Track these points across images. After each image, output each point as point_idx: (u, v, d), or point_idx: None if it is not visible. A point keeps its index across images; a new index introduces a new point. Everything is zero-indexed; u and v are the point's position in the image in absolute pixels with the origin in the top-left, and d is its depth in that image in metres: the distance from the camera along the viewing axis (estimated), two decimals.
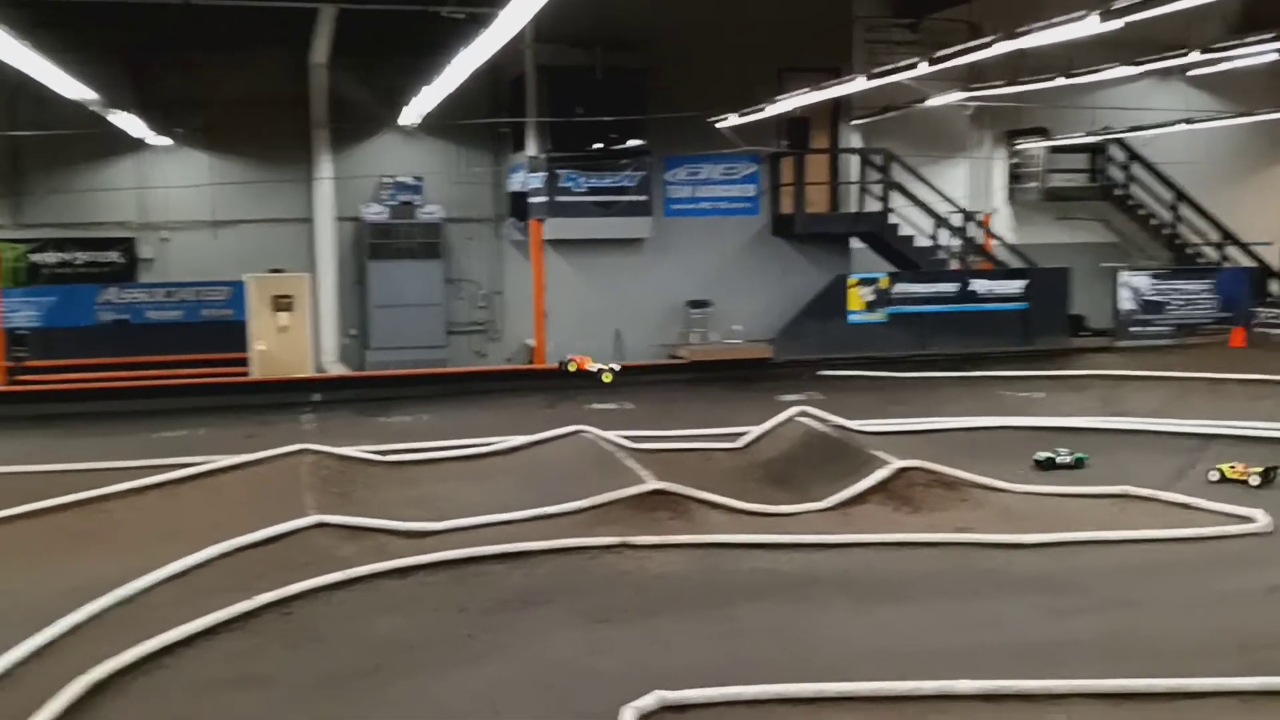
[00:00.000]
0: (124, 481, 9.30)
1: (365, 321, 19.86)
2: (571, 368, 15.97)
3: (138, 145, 18.81)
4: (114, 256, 19.22)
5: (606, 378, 15.31)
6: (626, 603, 6.77)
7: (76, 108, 14.70)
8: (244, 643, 6.11)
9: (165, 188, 19.34)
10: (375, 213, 19.78)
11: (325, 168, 19.37)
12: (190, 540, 7.68)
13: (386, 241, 19.70)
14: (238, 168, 19.48)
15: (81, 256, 19.11)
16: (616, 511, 8.46)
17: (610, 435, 10.67)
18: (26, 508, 8.52)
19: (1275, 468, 9.54)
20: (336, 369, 18.86)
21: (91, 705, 5.26)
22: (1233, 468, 9.65)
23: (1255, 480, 9.43)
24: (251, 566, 7.34)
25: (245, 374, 17.41)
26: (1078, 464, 10.25)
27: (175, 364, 16.82)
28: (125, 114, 16.07)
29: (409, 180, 19.96)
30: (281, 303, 18.44)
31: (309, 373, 17.79)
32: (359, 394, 15.78)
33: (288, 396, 15.24)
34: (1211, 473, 9.71)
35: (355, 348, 19.87)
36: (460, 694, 5.49)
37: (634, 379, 16.26)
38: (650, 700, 5.15)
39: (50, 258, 18.96)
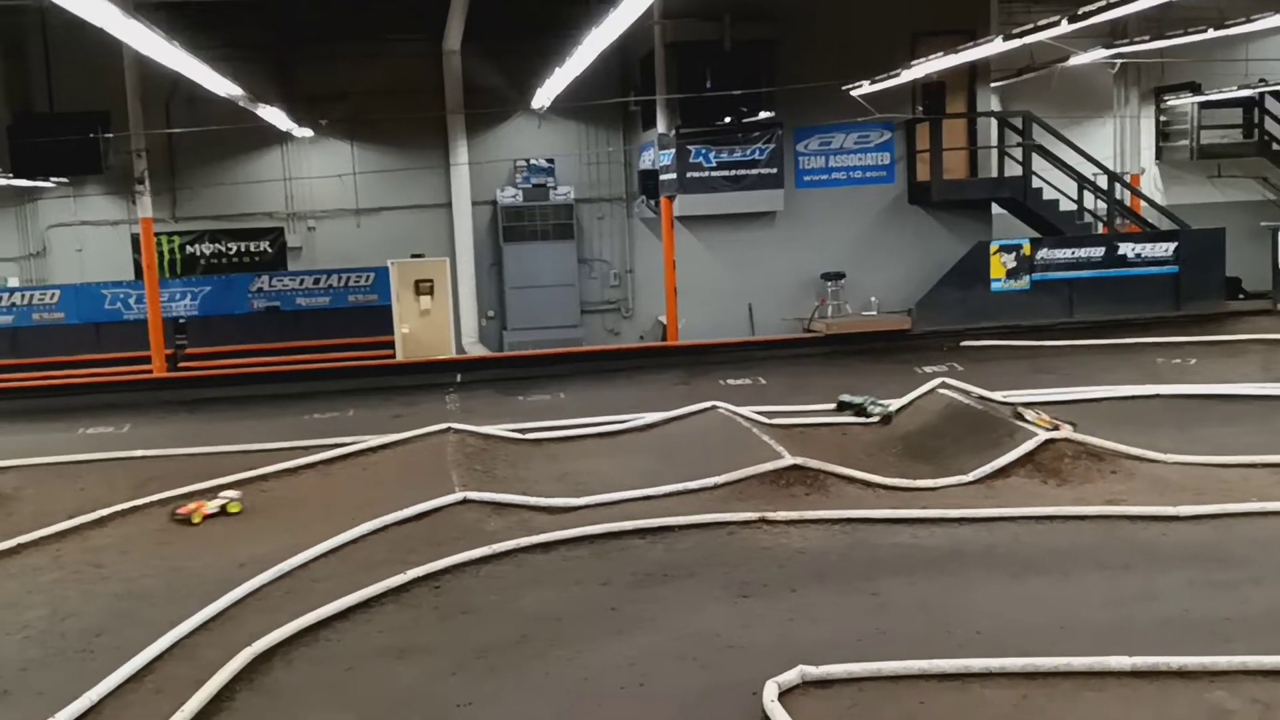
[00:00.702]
0: (280, 462, 9.75)
1: (502, 303, 20.25)
2: None
3: (284, 138, 19.50)
4: (264, 246, 19.97)
5: None
6: (768, 577, 6.79)
7: (226, 104, 15.30)
8: (399, 615, 6.35)
9: (310, 178, 20.03)
10: (509, 196, 20.12)
11: (461, 153, 19.78)
12: (344, 517, 8.00)
13: (520, 224, 20.03)
14: (379, 156, 20.02)
15: (234, 247, 19.92)
16: (753, 487, 8.48)
17: (745, 410, 10.67)
18: (192, 488, 8.98)
19: None
20: (476, 350, 19.27)
21: (260, 673, 5.54)
22: None
23: None
24: (402, 542, 7.60)
25: (390, 357, 17.92)
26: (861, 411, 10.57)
27: (324, 348, 17.45)
28: (272, 108, 16.66)
29: (541, 162, 20.23)
30: (423, 287, 18.89)
31: (450, 354, 18.21)
32: (498, 374, 16.10)
33: (431, 378, 15.64)
34: None
35: (493, 329, 20.28)
36: (607, 665, 5.60)
37: (767, 354, 16.20)
38: (793, 675, 5.17)
39: (205, 249, 19.82)
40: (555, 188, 20.13)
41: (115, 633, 6.18)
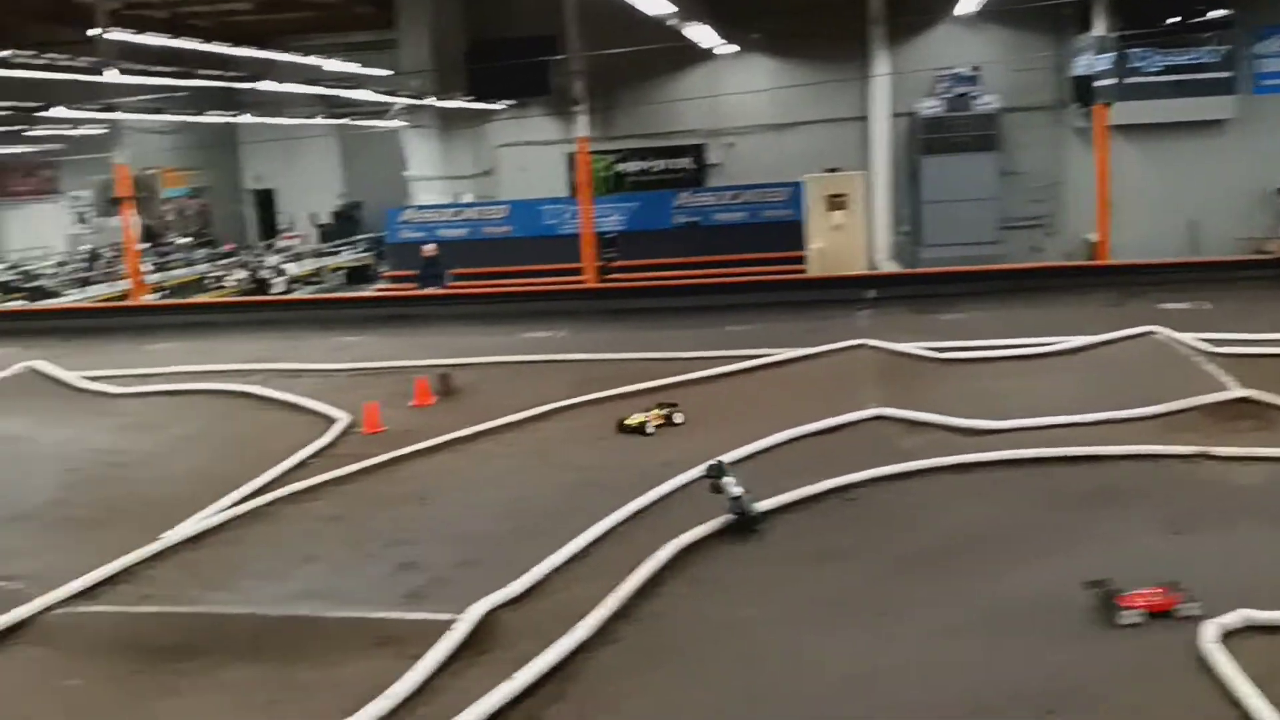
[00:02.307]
0: (701, 370, 10.23)
1: (917, 218, 19.86)
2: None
3: (708, 56, 20.04)
4: (686, 163, 20.79)
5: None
6: (1206, 514, 6.33)
7: (655, 25, 15.91)
8: (815, 521, 6.55)
9: (731, 94, 20.51)
10: (930, 107, 19.59)
11: (881, 64, 19.44)
12: (761, 425, 8.30)
13: (940, 135, 19.49)
14: (798, 71, 20.14)
15: (658, 164, 20.88)
16: (1192, 419, 7.88)
17: (1186, 337, 9.87)
18: (624, 389, 9.64)
19: None
20: (889, 266, 19.10)
21: (686, 564, 5.95)
22: None
23: None
24: (817, 452, 7.79)
25: (802, 272, 18.17)
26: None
27: (739, 263, 17.99)
28: (699, 26, 17.12)
29: (965, 71, 19.48)
30: (836, 202, 18.90)
31: (862, 270, 18.17)
32: (912, 291, 15.80)
33: (842, 293, 15.62)
34: None
35: (907, 244, 19.97)
36: (1026, 587, 5.50)
37: (1212, 276, 14.80)
38: (1234, 618, 4.84)
39: (632, 166, 20.94)
40: (978, 97, 19.35)
41: (562, 516, 6.83)
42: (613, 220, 19.50)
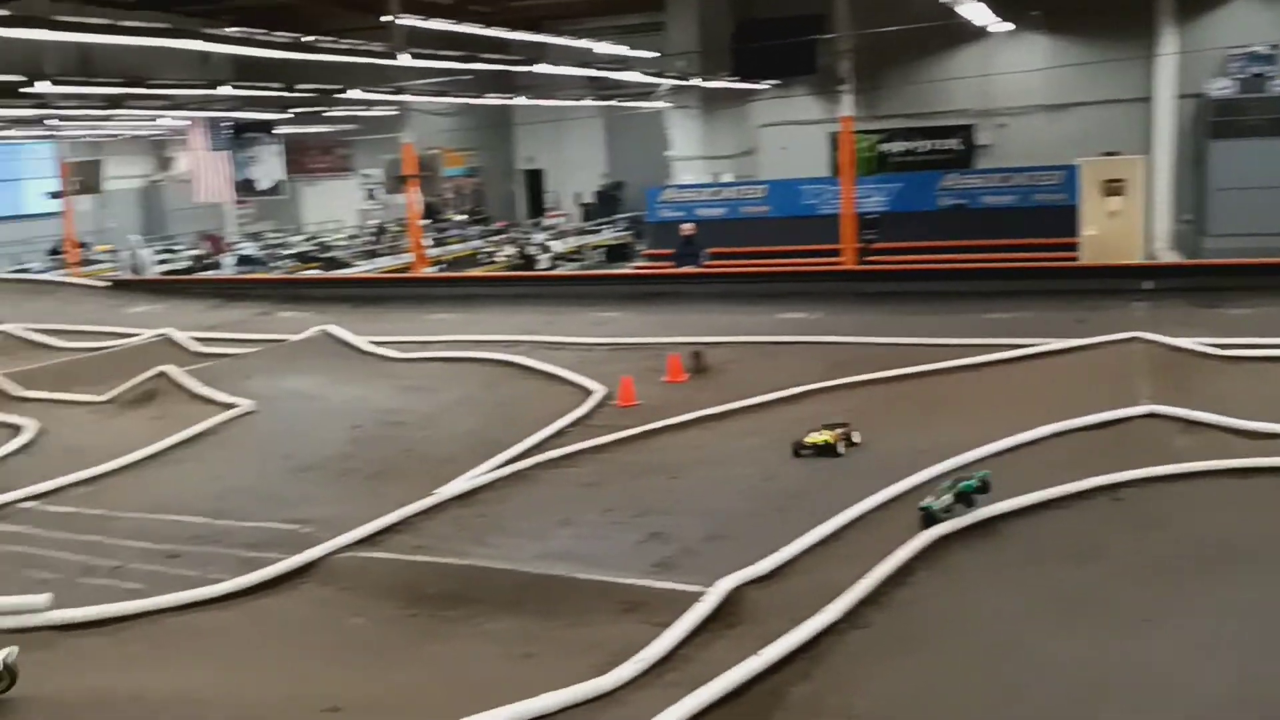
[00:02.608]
0: (958, 358, 9.97)
1: (1202, 205, 18.55)
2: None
3: (980, 34, 19.36)
4: (953, 144, 20.20)
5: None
6: None
7: (928, 1, 15.51)
8: (1076, 519, 6.29)
9: (1004, 74, 19.74)
10: (1221, 88, 18.22)
11: (1168, 42, 18.24)
12: (1023, 417, 8.01)
13: (1232, 118, 18.09)
14: (1076, 49, 19.19)
15: (924, 145, 20.38)
16: None
17: None
18: (878, 375, 9.53)
19: None
20: (1168, 256, 17.95)
21: (938, 554, 5.84)
22: None
23: None
24: (1082, 448, 7.46)
25: (1074, 259, 17.34)
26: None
27: (1006, 248, 17.34)
28: (973, 3, 16.59)
29: (1261, 50, 17.99)
30: (1113, 187, 17.92)
31: (1139, 259, 17.16)
32: (1193, 282, 14.81)
33: (1116, 283, 14.84)
34: None
35: (1190, 233, 18.70)
36: None
37: None
38: None
39: (896, 146, 20.53)
40: (1276, 78, 17.85)
41: (809, 496, 6.85)
42: (874, 201, 19.19)
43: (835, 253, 17.26)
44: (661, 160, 29.08)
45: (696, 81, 23.86)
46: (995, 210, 18.43)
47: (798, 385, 9.46)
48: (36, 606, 5.62)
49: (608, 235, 31.30)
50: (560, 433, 8.81)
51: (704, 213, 23.24)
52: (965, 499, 6.16)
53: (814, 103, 21.18)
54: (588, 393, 9.81)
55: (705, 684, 4.44)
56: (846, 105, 16.63)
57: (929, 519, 6.02)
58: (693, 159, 26.61)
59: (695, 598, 5.30)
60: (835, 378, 9.65)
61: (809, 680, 4.68)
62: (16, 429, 9.49)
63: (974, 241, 17.55)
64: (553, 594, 5.64)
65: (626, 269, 25.41)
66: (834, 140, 18.87)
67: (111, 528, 7.23)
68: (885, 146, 20.46)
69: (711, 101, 25.75)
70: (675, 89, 25.69)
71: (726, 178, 24.36)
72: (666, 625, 5.08)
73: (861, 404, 8.97)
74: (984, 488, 6.23)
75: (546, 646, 5.23)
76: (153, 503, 7.70)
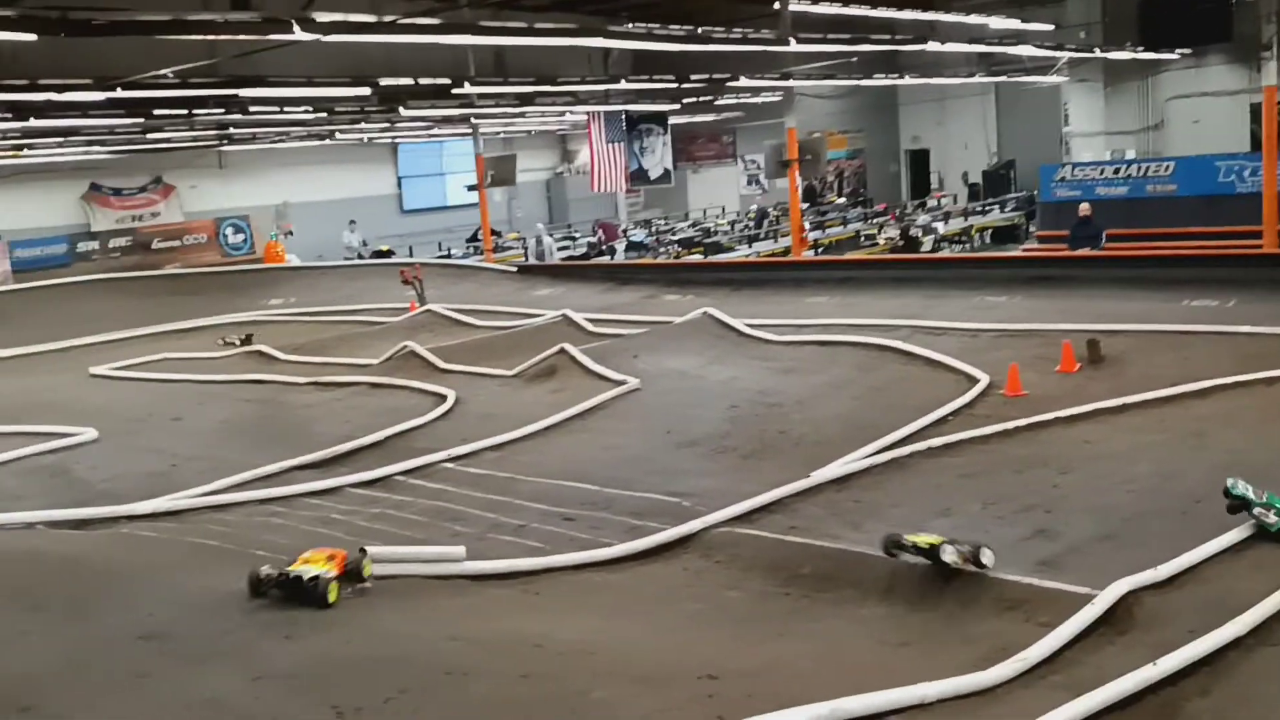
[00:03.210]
0: None
1: None
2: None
3: None
4: None
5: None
6: None
7: None
8: None
9: None
10: None
11: None
12: None
13: None
14: None
15: None
16: None
17: None
18: None
19: None
20: None
21: None
22: None
23: None
24: None
25: None
26: None
27: None
28: None
29: None
30: None
31: None
32: None
33: None
34: None
35: None
36: None
37: None
38: None
39: None
40: None
41: (1215, 500, 6.30)
42: None
43: (1255, 235, 15.70)
44: (1056, 137, 27.54)
45: (1098, 53, 22.46)
46: None
47: (1205, 379, 8.74)
48: (455, 557, 6.26)
49: (996, 216, 30.12)
50: (941, 420, 8.64)
51: (1103, 191, 21.92)
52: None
53: (1230, 72, 19.26)
54: (971, 380, 9.56)
55: (1093, 689, 4.23)
56: (1270, 73, 15.06)
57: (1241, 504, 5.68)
58: (1092, 135, 25.08)
59: (1084, 599, 5.05)
60: (1249, 371, 8.83)
61: (1208, 696, 4.35)
62: (441, 397, 10.56)
63: None
64: (928, 586, 5.56)
65: (1016, 251, 24.34)
66: (1255, 112, 17.08)
67: (517, 489, 7.90)
68: None
69: (1114, 74, 24.10)
70: (1074, 62, 24.27)
71: (1129, 154, 22.73)
72: (1050, 625, 4.88)
73: (1277, 401, 8.16)
74: None
75: (921, 637, 5.18)
76: (552, 468, 8.34)
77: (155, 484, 8.38)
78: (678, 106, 27.34)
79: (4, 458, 9.33)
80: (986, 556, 5.50)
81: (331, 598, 5.44)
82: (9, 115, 16.29)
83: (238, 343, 15.11)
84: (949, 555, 5.45)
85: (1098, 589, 5.11)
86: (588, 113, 25.92)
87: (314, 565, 5.56)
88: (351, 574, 5.62)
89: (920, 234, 26.77)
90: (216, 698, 4.53)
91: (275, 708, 4.43)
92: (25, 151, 23.51)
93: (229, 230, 30.24)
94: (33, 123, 17.17)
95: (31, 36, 9.38)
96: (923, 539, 5.58)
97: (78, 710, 4.50)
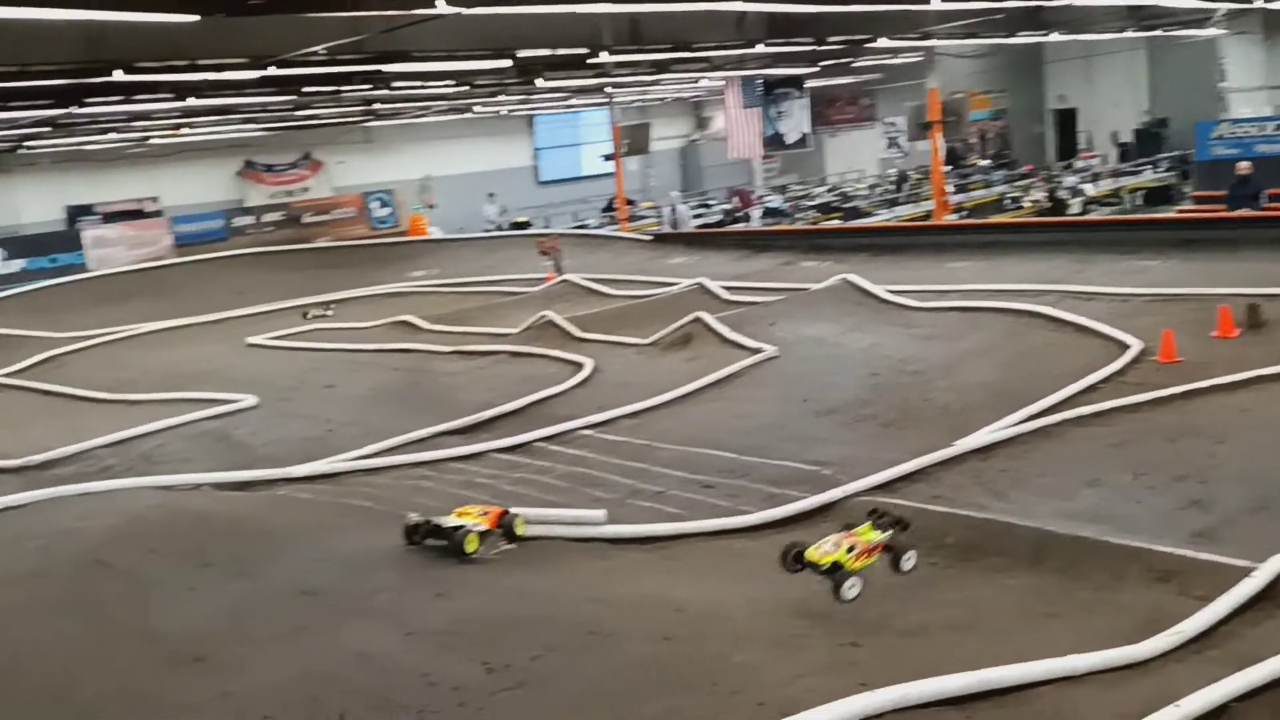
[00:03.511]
0: None
1: None
2: None
3: None
4: None
5: None
6: None
7: None
8: None
9: None
10: None
11: None
12: None
13: None
14: None
15: None
16: None
17: None
18: None
19: None
20: None
21: None
22: None
23: None
24: None
25: None
26: None
27: None
28: None
29: None
30: None
31: None
32: None
33: None
34: None
35: None
36: None
37: None
38: None
39: None
40: None
41: None
42: None
43: None
44: (1213, 93, 26.25)
45: (1258, 3, 21.31)
46: None
47: None
48: (595, 520, 6.38)
49: (1148, 176, 28.89)
50: (1091, 388, 8.38)
51: (1263, 149, 20.91)
52: None
53: None
54: (1123, 347, 9.23)
55: (1254, 664, 4.09)
56: None
57: None
58: (1253, 90, 23.82)
59: (1242, 572, 4.87)
60: None
61: None
62: (579, 366, 10.71)
63: None
64: (1077, 555, 5.43)
65: (1170, 213, 23.34)
66: None
67: (654, 456, 7.97)
68: None
69: (1274, 25, 22.84)
70: (1232, 14, 23.07)
71: None
72: (1205, 599, 4.73)
73: None
74: None
75: (1069, 608, 5.07)
76: (689, 436, 8.38)
77: (311, 448, 8.73)
78: (815, 69, 26.94)
79: (173, 422, 9.81)
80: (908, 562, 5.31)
81: (469, 548, 5.77)
82: (170, 95, 17.02)
83: (327, 313, 15.70)
84: (850, 592, 5.01)
85: (1256, 562, 4.92)
86: (723, 78, 25.74)
87: (468, 519, 5.91)
88: (506, 531, 5.96)
89: (1068, 196, 25.88)
90: (371, 651, 4.73)
91: (427, 662, 4.60)
92: (184, 130, 24.59)
93: (375, 204, 31.12)
94: (191, 102, 17.91)
95: (194, 17, 9.79)
96: (827, 558, 5.08)
97: (244, 661, 4.75)
